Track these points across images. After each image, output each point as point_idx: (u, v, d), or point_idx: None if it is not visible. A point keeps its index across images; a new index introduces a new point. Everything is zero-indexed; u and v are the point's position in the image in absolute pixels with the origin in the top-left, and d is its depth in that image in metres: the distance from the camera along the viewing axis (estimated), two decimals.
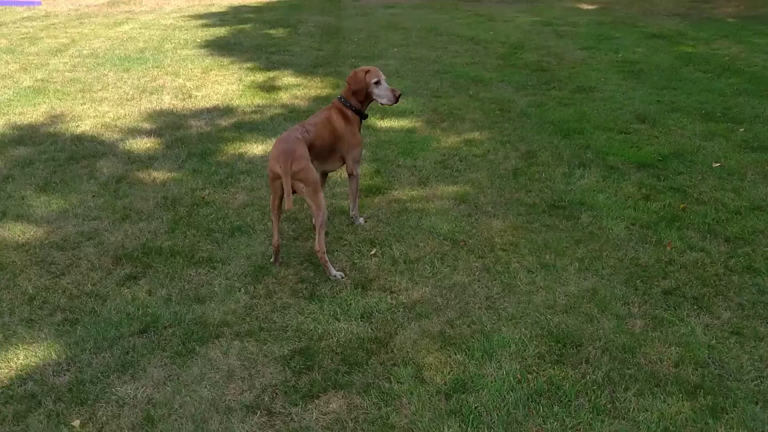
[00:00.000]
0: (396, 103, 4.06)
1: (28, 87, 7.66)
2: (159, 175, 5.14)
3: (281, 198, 3.56)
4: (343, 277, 3.67)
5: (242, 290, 3.58)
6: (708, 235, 4.18)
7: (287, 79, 8.11)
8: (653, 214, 4.45)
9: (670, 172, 5.14)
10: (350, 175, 4.12)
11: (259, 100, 7.19)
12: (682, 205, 4.55)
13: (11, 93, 7.40)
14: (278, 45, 10.18)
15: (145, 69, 8.57)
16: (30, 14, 13.55)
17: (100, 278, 3.72)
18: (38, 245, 4.08)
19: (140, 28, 11.69)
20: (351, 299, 3.49)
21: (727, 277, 3.72)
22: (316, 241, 3.60)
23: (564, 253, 3.97)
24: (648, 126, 6.27)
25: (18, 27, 11.88)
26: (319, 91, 7.54)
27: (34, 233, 4.23)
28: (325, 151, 3.86)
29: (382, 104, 4.06)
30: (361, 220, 4.32)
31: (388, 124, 6.34)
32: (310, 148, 3.63)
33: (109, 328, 3.26)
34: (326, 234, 3.87)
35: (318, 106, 6.81)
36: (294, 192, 3.51)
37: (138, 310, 3.40)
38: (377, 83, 3.98)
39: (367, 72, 4.01)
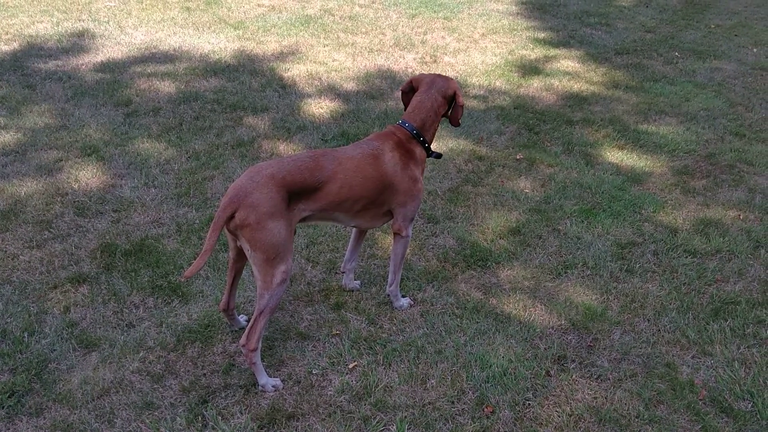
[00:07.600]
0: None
1: (304, 15, 7.44)
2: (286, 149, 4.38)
3: (237, 251, 2.48)
4: (276, 389, 2.49)
5: None
6: None
7: (565, 62, 6.43)
8: None
9: None
10: (396, 234, 2.76)
11: (501, 82, 5.78)
12: None
13: (283, 18, 7.26)
14: (605, 15, 8.30)
15: (431, 18, 7.69)
16: None
17: None
18: None
19: None
20: None
21: None
22: (245, 333, 2.40)
23: None
24: None
25: None
26: (585, 88, 5.78)
27: None
28: (358, 204, 2.56)
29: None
30: (405, 302, 2.94)
31: (608, 156, 4.46)
32: (319, 196, 2.43)
33: None
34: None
35: (560, 107, 5.23)
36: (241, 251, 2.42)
37: None
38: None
39: (449, 79, 2.75)
